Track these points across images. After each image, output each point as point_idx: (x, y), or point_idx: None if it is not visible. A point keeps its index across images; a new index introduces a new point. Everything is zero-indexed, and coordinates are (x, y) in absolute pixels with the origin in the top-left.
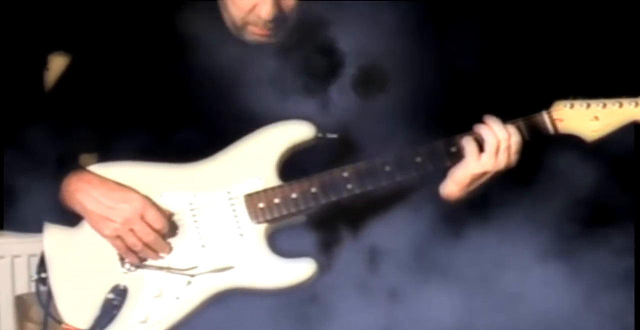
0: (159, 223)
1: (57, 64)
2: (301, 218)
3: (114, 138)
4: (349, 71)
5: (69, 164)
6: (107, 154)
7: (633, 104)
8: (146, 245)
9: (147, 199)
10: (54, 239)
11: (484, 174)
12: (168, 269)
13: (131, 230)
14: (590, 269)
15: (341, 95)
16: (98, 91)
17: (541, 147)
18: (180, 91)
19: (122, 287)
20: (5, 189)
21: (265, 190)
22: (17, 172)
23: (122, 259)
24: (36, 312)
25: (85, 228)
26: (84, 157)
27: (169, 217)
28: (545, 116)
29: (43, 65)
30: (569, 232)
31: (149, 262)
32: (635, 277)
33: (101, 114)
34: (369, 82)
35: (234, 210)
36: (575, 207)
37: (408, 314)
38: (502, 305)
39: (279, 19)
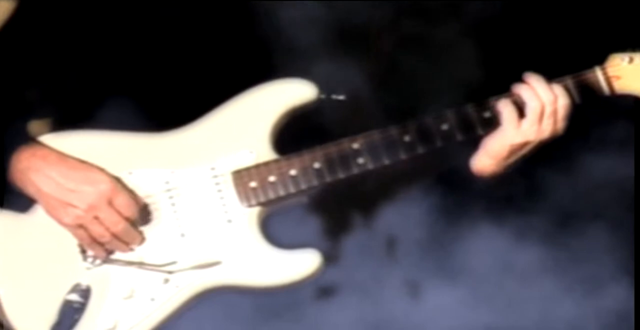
0: (130, 209)
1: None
2: (302, 200)
3: (72, 100)
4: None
5: (18, 132)
6: (63, 121)
7: None
8: (114, 235)
9: (116, 179)
10: None
11: (525, 144)
12: (140, 264)
13: (96, 217)
14: (591, 267)
15: (349, 48)
16: (49, 39)
17: None
18: (155, 47)
19: (84, 287)
20: None
21: (257, 166)
22: None
23: (84, 252)
24: None
25: (38, 214)
26: (34, 125)
27: (141, 201)
28: (599, 73)
29: None
30: (570, 229)
31: (117, 255)
32: (635, 275)
33: (55, 69)
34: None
35: (219, 191)
36: (576, 203)
37: (411, 311)
38: (504, 302)
39: None
